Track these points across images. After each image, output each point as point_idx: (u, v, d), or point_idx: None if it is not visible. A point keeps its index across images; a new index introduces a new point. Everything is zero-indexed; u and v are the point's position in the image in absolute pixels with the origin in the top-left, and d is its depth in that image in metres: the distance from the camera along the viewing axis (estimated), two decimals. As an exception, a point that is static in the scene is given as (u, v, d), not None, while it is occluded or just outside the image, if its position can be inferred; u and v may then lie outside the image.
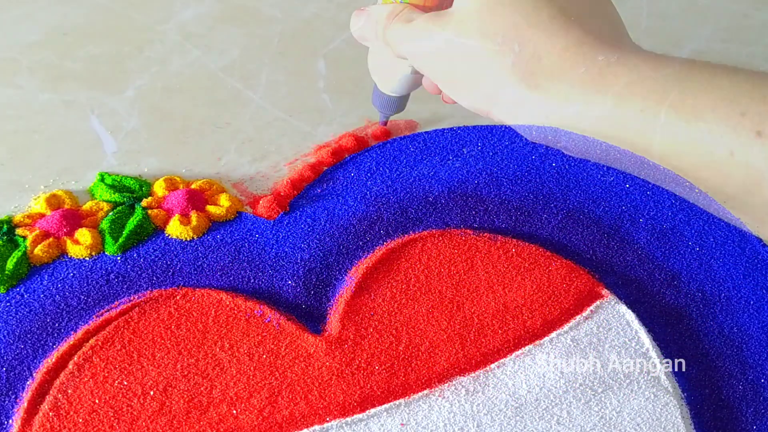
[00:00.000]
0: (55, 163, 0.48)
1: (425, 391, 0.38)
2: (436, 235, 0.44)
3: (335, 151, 0.49)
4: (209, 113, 0.52)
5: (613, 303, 0.41)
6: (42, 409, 0.36)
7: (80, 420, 0.36)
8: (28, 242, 0.42)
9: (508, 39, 0.28)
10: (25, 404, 0.36)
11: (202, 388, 0.37)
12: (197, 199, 0.45)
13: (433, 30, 0.31)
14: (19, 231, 0.43)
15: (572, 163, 0.49)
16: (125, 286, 0.41)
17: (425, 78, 0.40)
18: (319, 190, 0.47)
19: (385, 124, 0.49)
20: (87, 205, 0.45)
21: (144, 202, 0.45)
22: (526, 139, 0.51)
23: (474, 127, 0.51)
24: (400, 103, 0.45)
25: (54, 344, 0.38)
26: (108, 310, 0.40)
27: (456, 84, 0.31)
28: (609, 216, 0.46)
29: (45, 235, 0.43)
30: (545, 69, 0.27)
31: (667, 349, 0.40)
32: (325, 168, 0.48)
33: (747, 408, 0.38)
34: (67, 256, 0.42)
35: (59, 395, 0.36)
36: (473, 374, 0.38)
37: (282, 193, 0.46)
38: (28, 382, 0.37)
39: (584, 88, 0.27)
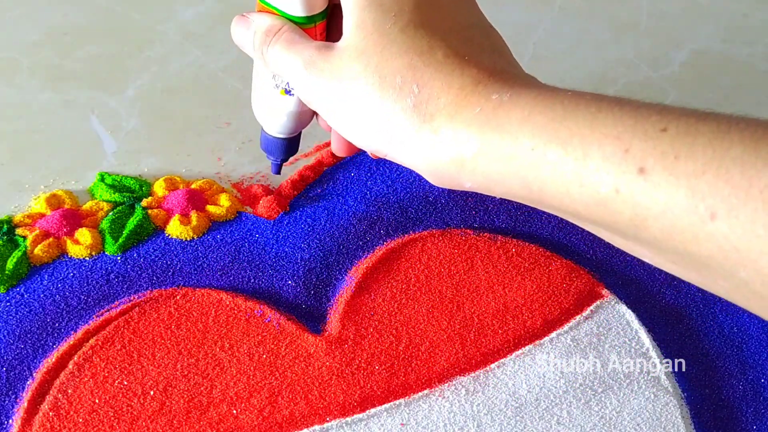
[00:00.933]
0: (55, 163, 0.48)
1: (425, 391, 0.38)
2: (436, 235, 0.44)
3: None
4: (209, 113, 0.52)
5: (613, 303, 0.41)
6: (42, 409, 0.36)
7: (80, 420, 0.36)
8: (28, 242, 0.42)
9: (406, 80, 0.27)
10: (25, 404, 0.36)
11: (202, 388, 0.37)
12: (197, 199, 0.45)
13: (322, 65, 0.29)
14: (19, 231, 0.43)
15: (572, 163, 0.49)
16: (125, 286, 0.41)
17: (320, 120, 0.36)
18: (319, 190, 0.47)
19: (278, 171, 0.39)
20: (87, 205, 0.45)
21: (144, 202, 0.45)
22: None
23: (474, 127, 0.51)
24: (289, 146, 0.38)
25: (54, 344, 0.38)
26: (108, 310, 0.40)
27: (349, 124, 0.30)
28: (609, 216, 0.46)
29: (45, 235, 0.43)
30: (443, 110, 0.27)
31: (667, 349, 0.40)
32: (325, 168, 0.48)
33: (747, 408, 0.38)
34: (67, 256, 0.42)
35: (59, 395, 0.36)
36: (473, 374, 0.38)
37: (282, 193, 0.46)
38: (28, 382, 0.37)
39: (480, 128, 0.26)
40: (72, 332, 0.39)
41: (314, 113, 0.36)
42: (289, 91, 0.35)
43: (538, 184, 0.26)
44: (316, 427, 0.36)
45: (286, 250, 0.43)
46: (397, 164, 0.48)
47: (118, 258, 0.42)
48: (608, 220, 0.25)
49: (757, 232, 0.21)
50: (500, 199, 0.46)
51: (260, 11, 0.33)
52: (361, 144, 0.31)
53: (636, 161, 0.23)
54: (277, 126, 0.37)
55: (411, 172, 0.48)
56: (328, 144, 0.49)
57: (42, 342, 0.38)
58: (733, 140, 0.22)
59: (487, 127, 0.26)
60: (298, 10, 0.32)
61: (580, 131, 0.25)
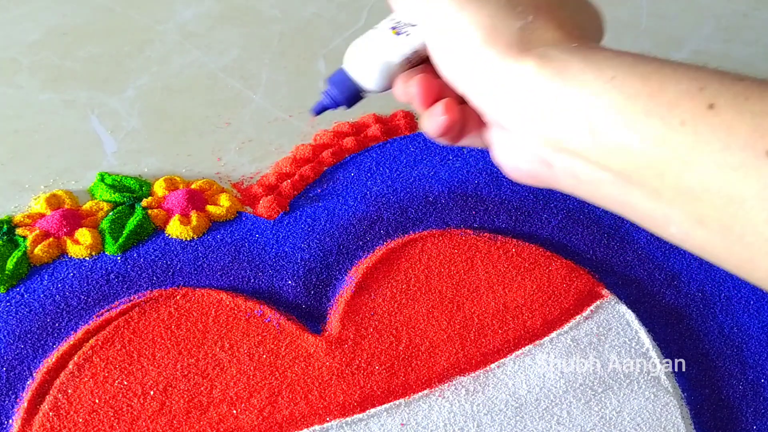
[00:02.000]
0: (55, 163, 0.48)
1: (425, 391, 0.38)
2: (436, 235, 0.44)
3: (335, 152, 0.49)
4: (209, 113, 0.52)
5: (613, 303, 0.41)
6: (42, 409, 0.36)
7: (80, 420, 0.36)
8: (28, 242, 0.42)
9: (527, 11, 0.30)
10: (25, 404, 0.36)
11: (202, 388, 0.37)
12: (197, 199, 0.45)
13: None
14: (19, 231, 0.43)
15: (572, 163, 0.49)
16: (125, 286, 0.41)
17: (399, 81, 0.35)
18: (319, 190, 0.47)
19: (319, 112, 0.37)
20: (87, 205, 0.45)
21: (144, 202, 0.45)
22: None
23: (474, 127, 0.51)
24: (355, 95, 0.35)
25: (54, 344, 0.38)
26: (108, 310, 0.40)
27: (455, 57, 0.31)
28: (609, 216, 0.46)
29: (45, 235, 0.43)
30: (544, 40, 0.29)
31: (667, 349, 0.40)
32: (325, 168, 0.48)
33: (747, 408, 0.38)
34: (67, 256, 0.42)
35: (59, 395, 0.36)
36: (473, 374, 0.38)
37: (282, 193, 0.46)
38: (28, 382, 0.37)
39: (570, 55, 0.28)
40: (72, 332, 0.39)
41: (404, 70, 0.34)
42: (401, 32, 0.34)
43: (610, 112, 0.27)
44: (316, 427, 0.36)
45: (286, 250, 0.43)
46: (397, 164, 0.48)
47: (118, 258, 0.42)
48: (660, 159, 0.26)
49: None
50: (500, 199, 0.46)
51: None
52: (456, 77, 0.31)
53: (708, 98, 0.25)
54: (363, 69, 0.34)
55: (411, 172, 0.48)
56: (324, 146, 0.49)
57: (42, 342, 0.38)
58: None
59: (576, 56, 0.28)
60: None
61: (662, 70, 0.26)
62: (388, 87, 0.35)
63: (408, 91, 0.34)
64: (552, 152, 0.29)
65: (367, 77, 0.34)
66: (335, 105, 0.36)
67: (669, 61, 0.27)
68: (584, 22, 0.32)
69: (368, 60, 0.34)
